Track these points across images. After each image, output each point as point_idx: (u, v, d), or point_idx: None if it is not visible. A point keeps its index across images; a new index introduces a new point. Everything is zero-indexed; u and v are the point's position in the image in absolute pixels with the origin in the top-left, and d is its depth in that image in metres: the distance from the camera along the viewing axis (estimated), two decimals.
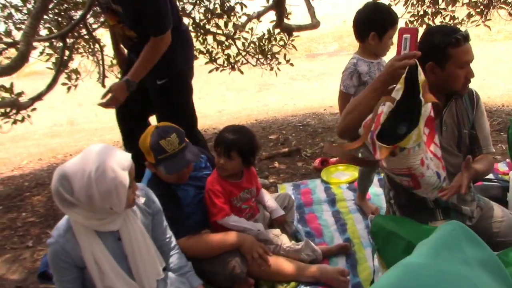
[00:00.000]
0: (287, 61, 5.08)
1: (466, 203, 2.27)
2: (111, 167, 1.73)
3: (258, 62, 5.35)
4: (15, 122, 4.43)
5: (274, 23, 5.10)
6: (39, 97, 4.28)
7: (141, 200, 2.02)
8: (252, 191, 2.68)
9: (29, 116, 4.49)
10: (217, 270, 2.40)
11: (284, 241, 2.61)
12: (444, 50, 2.08)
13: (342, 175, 3.86)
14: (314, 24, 5.41)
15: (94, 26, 5.08)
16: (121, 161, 1.77)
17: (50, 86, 4.40)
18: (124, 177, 1.76)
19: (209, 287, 2.43)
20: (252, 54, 5.33)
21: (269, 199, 2.79)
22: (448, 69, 2.10)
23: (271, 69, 5.32)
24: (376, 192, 3.48)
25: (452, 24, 4.97)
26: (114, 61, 5.13)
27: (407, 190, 2.11)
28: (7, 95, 4.17)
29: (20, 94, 4.21)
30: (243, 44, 5.24)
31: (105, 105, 2.85)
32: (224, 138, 2.50)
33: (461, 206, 2.24)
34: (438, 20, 5.11)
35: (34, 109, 4.44)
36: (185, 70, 3.13)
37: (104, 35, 5.57)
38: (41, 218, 3.73)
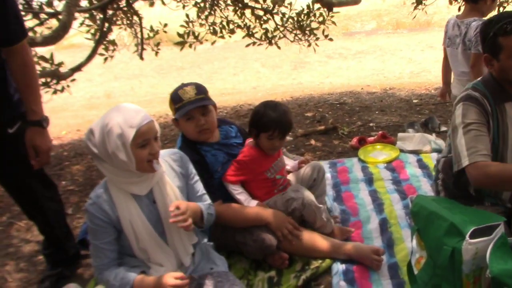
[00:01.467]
0: (326, 37, 4.99)
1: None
2: (118, 124, 1.77)
3: (296, 37, 5.27)
4: (55, 92, 4.51)
5: None
6: (79, 67, 4.35)
7: (164, 165, 2.01)
8: (282, 160, 2.68)
9: (68, 86, 4.56)
10: (248, 242, 2.41)
11: (306, 193, 2.58)
12: (494, 40, 2.00)
13: (380, 155, 3.80)
14: (356, 0, 5.29)
15: None
16: (129, 119, 1.79)
17: (89, 57, 4.47)
18: (128, 134, 1.77)
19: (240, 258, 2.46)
20: (290, 30, 5.25)
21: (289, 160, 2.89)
22: (502, 61, 2.02)
23: (309, 45, 5.23)
24: (415, 173, 3.42)
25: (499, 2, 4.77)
26: (151, 34, 5.16)
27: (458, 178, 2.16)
28: (47, 65, 4.24)
29: (60, 64, 4.28)
30: (281, 19, 5.17)
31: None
32: (282, 121, 2.47)
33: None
34: None
35: (73, 80, 4.52)
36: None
37: (143, 7, 5.59)
38: (80, 186, 3.80)
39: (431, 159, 3.63)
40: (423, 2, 5.38)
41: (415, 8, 5.31)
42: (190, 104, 2.32)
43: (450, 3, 5.40)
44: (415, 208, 2.15)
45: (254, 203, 2.53)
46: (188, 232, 2.04)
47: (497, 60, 2.03)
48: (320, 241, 2.49)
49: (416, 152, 3.77)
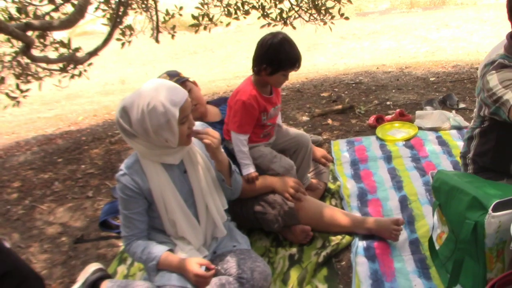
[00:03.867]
0: (342, 15, 4.93)
1: None
2: (161, 102, 1.77)
3: (312, 17, 5.21)
4: (72, 76, 4.54)
5: None
6: (95, 51, 4.36)
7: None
8: (278, 108, 2.62)
9: (85, 71, 4.59)
10: (268, 211, 2.43)
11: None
12: None
13: (398, 133, 3.77)
14: None
15: None
16: (172, 97, 1.80)
17: (106, 41, 4.48)
18: (173, 112, 1.79)
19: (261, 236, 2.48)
20: (305, 9, 5.20)
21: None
22: None
23: (325, 23, 5.17)
24: (434, 150, 3.39)
25: None
26: (167, 17, 5.14)
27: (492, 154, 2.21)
28: (64, 50, 4.26)
29: (77, 49, 4.30)
30: None
31: None
32: (300, 56, 2.40)
33: None
34: None
35: (90, 64, 4.54)
36: None
37: None
38: (99, 170, 3.84)
39: (450, 136, 3.60)
40: None
41: None
42: None
43: None
44: (436, 183, 2.15)
45: (252, 169, 2.49)
46: (220, 198, 2.09)
47: None
48: (340, 217, 2.49)
49: (435, 130, 3.73)
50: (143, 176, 1.93)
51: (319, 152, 2.92)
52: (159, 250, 1.93)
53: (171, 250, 1.98)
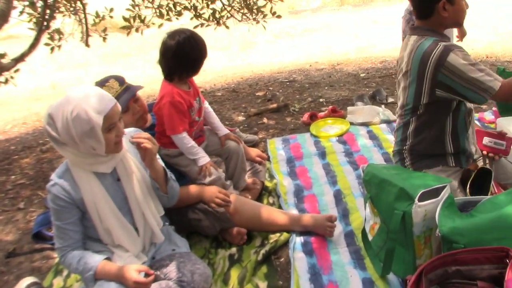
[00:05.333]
0: (273, 14, 5.00)
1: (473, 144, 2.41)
2: (85, 109, 1.74)
3: (244, 17, 5.25)
4: None
5: None
6: (21, 57, 4.20)
7: (126, 143, 1.99)
8: (200, 100, 2.65)
9: (12, 77, 4.41)
10: (202, 217, 2.46)
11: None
12: None
13: (331, 129, 3.88)
14: None
15: None
16: (96, 104, 1.77)
17: (32, 46, 4.31)
18: (97, 120, 1.76)
19: (200, 238, 2.48)
20: (238, 9, 5.23)
21: (215, 117, 2.82)
22: (457, 3, 2.19)
23: (257, 22, 5.23)
24: (365, 144, 3.52)
25: None
26: (97, 20, 5.02)
27: (430, 139, 2.31)
28: None
29: (3, 55, 4.12)
30: None
31: None
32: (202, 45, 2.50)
33: (468, 148, 2.37)
34: None
35: (17, 70, 4.36)
36: None
37: None
38: (31, 180, 3.71)
39: (380, 130, 3.74)
40: None
41: None
42: (123, 95, 2.33)
43: None
44: (367, 177, 2.23)
45: (207, 158, 2.56)
46: (155, 205, 2.07)
47: (452, 4, 2.18)
48: (277, 216, 2.54)
49: (366, 124, 3.87)
50: (74, 185, 1.88)
51: (253, 152, 2.98)
52: (95, 260, 1.90)
53: (108, 259, 1.94)
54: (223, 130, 2.80)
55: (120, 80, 2.44)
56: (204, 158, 2.55)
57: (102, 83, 2.38)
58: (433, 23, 2.25)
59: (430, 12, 2.24)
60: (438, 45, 2.14)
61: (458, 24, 2.33)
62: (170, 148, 2.55)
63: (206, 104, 2.76)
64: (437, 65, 2.13)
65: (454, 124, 2.28)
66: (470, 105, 2.33)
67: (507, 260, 1.65)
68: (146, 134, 1.97)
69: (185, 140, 2.49)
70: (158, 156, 2.07)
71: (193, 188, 2.51)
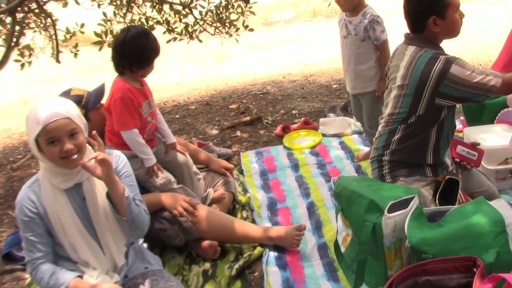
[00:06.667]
0: (246, 27, 5.04)
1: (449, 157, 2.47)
2: (29, 118, 1.79)
3: (217, 30, 5.28)
4: None
5: None
6: None
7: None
8: (152, 103, 2.65)
9: None
10: (167, 226, 2.47)
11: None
12: (442, 0, 2.21)
13: (304, 141, 3.91)
14: None
15: None
16: (37, 116, 1.77)
17: (1, 63, 4.24)
18: (34, 129, 1.77)
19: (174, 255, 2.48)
20: (210, 23, 5.25)
21: (164, 123, 2.81)
22: (449, 17, 2.24)
23: (230, 36, 5.26)
24: (338, 155, 3.55)
25: None
26: (68, 36, 4.97)
27: (412, 149, 2.35)
28: None
29: None
30: (200, 12, 5.15)
31: None
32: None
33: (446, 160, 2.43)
34: None
35: None
36: None
37: (55, 8, 5.37)
38: (0, 199, 3.64)
39: (352, 141, 3.79)
40: None
41: None
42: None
43: None
44: (338, 189, 2.26)
45: (154, 160, 2.56)
46: (118, 230, 2.02)
47: (443, 19, 2.23)
48: (248, 227, 2.56)
49: (338, 136, 3.92)
50: (40, 196, 1.88)
51: (216, 164, 3.01)
52: (67, 276, 1.87)
53: (80, 277, 1.92)
54: (171, 138, 2.78)
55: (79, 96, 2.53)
56: (152, 160, 2.54)
57: (67, 92, 2.50)
58: (429, 36, 2.31)
59: (422, 28, 2.29)
60: (440, 58, 2.20)
61: (453, 36, 2.35)
62: (122, 150, 2.43)
63: (157, 110, 2.76)
64: (440, 78, 2.18)
65: (438, 137, 2.33)
66: (455, 121, 2.39)
67: (475, 269, 1.68)
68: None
69: (136, 136, 2.48)
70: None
71: (151, 195, 2.53)
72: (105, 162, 1.83)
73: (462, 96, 2.21)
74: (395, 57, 2.42)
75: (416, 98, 2.27)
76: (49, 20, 4.91)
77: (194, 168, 2.84)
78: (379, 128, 2.50)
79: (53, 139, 1.79)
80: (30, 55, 4.71)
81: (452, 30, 2.30)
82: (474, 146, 2.47)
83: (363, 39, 2.96)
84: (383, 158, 2.46)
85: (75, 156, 1.84)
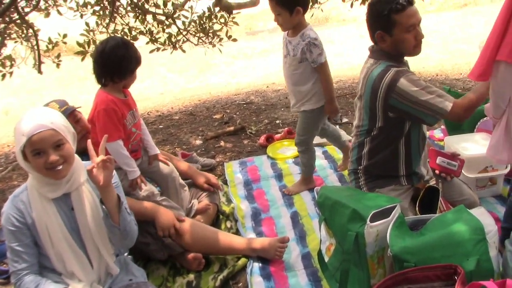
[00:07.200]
0: (229, 38, 5.06)
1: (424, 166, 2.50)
2: (16, 129, 1.81)
3: (200, 40, 5.29)
4: None
5: (214, 0, 5.05)
6: None
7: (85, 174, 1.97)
8: (136, 114, 2.64)
9: None
10: (150, 241, 2.46)
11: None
12: (389, 17, 2.19)
13: (287, 150, 3.93)
14: (254, 1, 5.39)
15: (26, 9, 4.85)
16: (22, 127, 1.78)
17: None
18: (19, 140, 1.79)
19: (158, 266, 2.48)
20: (193, 33, 5.27)
21: (148, 134, 2.79)
22: (396, 35, 2.23)
23: (214, 46, 5.28)
24: (321, 164, 3.57)
25: None
26: (50, 46, 4.94)
27: (383, 162, 2.39)
28: None
29: None
30: (184, 23, 5.17)
31: None
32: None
33: (420, 170, 2.46)
34: None
35: None
36: None
37: (38, 18, 5.34)
38: None
39: (335, 150, 3.81)
40: (318, 0, 5.58)
41: (311, 7, 5.50)
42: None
43: (343, 0, 5.64)
44: (321, 199, 2.27)
45: (138, 172, 2.54)
46: (107, 241, 2.02)
47: (390, 36, 2.24)
48: (232, 239, 2.56)
49: (321, 145, 3.94)
50: (28, 206, 1.88)
51: (201, 179, 2.96)
52: None
53: None
54: (154, 150, 2.77)
55: (61, 103, 2.52)
56: (135, 172, 2.53)
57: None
58: (385, 49, 2.33)
59: (374, 40, 2.33)
60: (390, 71, 2.22)
61: (407, 54, 2.33)
62: None
63: (141, 121, 2.75)
64: (388, 90, 2.20)
65: (408, 148, 2.36)
66: (424, 130, 2.42)
67: (456, 277, 1.71)
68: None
69: (121, 148, 2.46)
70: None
71: (149, 204, 2.51)
72: (110, 164, 1.88)
73: (412, 113, 2.23)
74: (361, 70, 2.46)
75: (371, 110, 2.32)
76: (30, 30, 4.89)
77: (180, 179, 2.83)
78: (352, 139, 2.55)
79: (38, 151, 1.80)
80: (11, 65, 4.68)
81: (401, 48, 2.28)
82: (454, 156, 2.50)
83: (300, 60, 2.86)
84: (358, 171, 2.51)
85: (61, 167, 1.84)
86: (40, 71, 4.90)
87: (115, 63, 2.42)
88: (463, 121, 2.29)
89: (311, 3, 5.32)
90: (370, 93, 2.28)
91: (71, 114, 2.54)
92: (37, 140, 1.79)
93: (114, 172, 2.08)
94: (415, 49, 2.29)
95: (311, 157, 3.17)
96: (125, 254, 2.23)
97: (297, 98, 3.02)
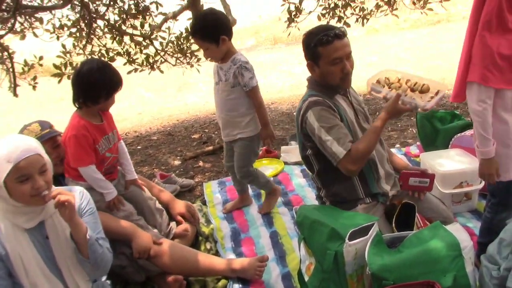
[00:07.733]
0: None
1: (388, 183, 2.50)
2: None
3: (178, 61, 5.31)
4: None
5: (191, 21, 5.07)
6: None
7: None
8: (113, 137, 2.60)
9: None
10: (125, 263, 2.43)
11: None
12: (314, 49, 2.27)
13: (266, 169, 3.93)
14: (231, 21, 5.43)
15: (1, 32, 4.81)
16: (8, 154, 1.73)
17: None
18: (4, 168, 1.72)
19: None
20: (171, 54, 5.28)
21: (127, 158, 2.76)
22: (322, 67, 2.30)
23: (191, 66, 5.30)
24: (300, 183, 3.59)
25: (362, 15, 5.18)
26: (26, 68, 4.90)
27: (340, 189, 2.42)
28: None
29: None
30: (161, 43, 5.18)
31: None
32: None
33: (383, 188, 2.46)
34: (349, 12, 5.27)
35: None
36: None
37: (13, 40, 5.30)
38: None
39: None
40: (295, 19, 5.64)
41: (288, 26, 5.56)
42: (41, 138, 2.33)
43: (319, 19, 5.72)
44: (299, 218, 2.28)
45: (115, 193, 2.53)
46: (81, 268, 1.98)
47: (318, 66, 2.31)
48: (212, 260, 2.56)
49: (299, 163, 3.95)
50: (0, 237, 1.81)
51: (178, 208, 2.88)
52: None
53: None
54: (132, 174, 2.75)
55: (44, 124, 2.47)
56: (112, 193, 2.51)
57: (26, 125, 2.44)
58: (317, 79, 2.40)
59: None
60: (306, 100, 2.31)
61: (334, 84, 2.35)
62: (79, 181, 2.45)
63: (122, 144, 2.73)
64: (302, 120, 2.31)
65: (359, 173, 2.36)
66: (373, 153, 2.42)
67: None
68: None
69: (93, 173, 2.44)
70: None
71: (127, 224, 2.48)
72: (66, 205, 1.79)
73: (320, 149, 2.29)
74: None
75: (299, 138, 2.44)
76: (5, 53, 4.84)
77: (157, 203, 2.81)
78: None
79: (25, 177, 1.76)
80: None
81: (327, 79, 2.33)
82: (424, 173, 2.53)
83: (233, 85, 2.87)
84: (322, 198, 2.56)
85: (46, 192, 1.81)
86: (15, 94, 4.84)
87: (87, 88, 2.40)
88: (354, 175, 2.34)
89: (288, 22, 5.39)
90: (296, 121, 2.40)
91: (51, 138, 2.48)
92: (25, 166, 1.75)
93: (89, 197, 2.06)
94: (342, 82, 2.34)
95: (260, 178, 3.16)
96: (103, 279, 2.20)
97: (232, 125, 2.98)
